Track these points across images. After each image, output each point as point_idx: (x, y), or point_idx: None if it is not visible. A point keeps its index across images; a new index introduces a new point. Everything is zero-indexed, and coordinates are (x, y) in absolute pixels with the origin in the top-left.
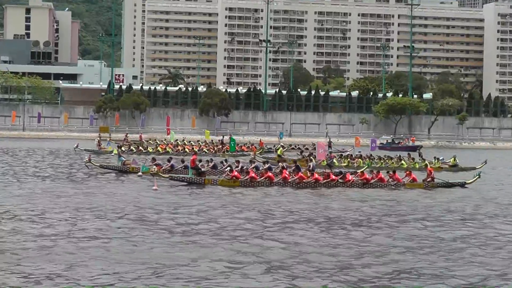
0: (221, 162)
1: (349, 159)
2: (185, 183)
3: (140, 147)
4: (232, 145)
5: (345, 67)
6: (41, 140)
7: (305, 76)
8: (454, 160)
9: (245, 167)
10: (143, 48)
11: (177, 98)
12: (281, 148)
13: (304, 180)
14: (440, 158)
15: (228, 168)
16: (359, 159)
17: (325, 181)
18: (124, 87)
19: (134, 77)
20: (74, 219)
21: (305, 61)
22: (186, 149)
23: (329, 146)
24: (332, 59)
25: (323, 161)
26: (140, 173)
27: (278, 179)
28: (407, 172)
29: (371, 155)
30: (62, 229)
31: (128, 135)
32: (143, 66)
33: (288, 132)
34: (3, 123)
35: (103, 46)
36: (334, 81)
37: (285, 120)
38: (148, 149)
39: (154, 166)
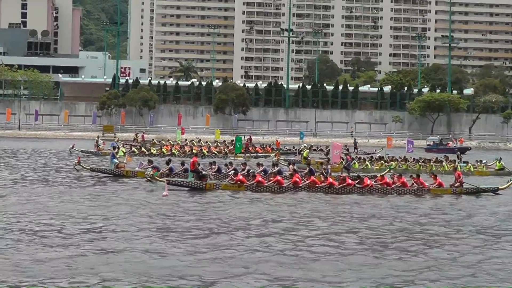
0: (226, 165)
1: (382, 161)
2: (184, 188)
3: (143, 148)
4: (238, 145)
5: (376, 59)
6: (38, 140)
7: (332, 69)
8: (500, 162)
9: (251, 171)
10: (152, 38)
11: (189, 93)
12: (307, 150)
13: (317, 185)
14: (483, 161)
15: (233, 171)
16: (380, 162)
17: (340, 186)
18: (130, 81)
19: (142, 71)
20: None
21: (331, 53)
22: (194, 150)
23: (355, 147)
24: (361, 50)
25: (340, 163)
26: (148, 177)
27: (288, 183)
28: (433, 176)
29: (405, 157)
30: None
31: (139, 134)
32: (151, 58)
33: (313, 131)
34: None
35: (108, 36)
36: (364, 74)
37: (309, 118)
38: (152, 150)
39: (150, 169)
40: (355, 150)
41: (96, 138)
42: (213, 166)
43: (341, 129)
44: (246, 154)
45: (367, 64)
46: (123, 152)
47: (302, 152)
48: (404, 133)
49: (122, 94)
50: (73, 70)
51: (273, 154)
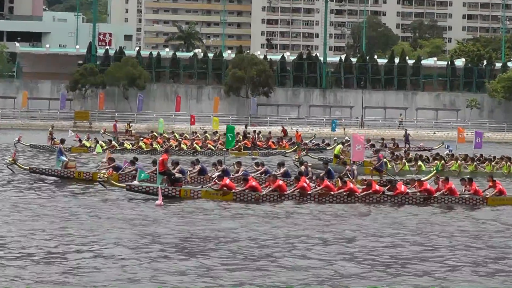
0: (213, 165)
1: (441, 162)
2: (150, 196)
3: (113, 142)
4: (230, 138)
5: (445, 22)
6: None
7: (385, 36)
8: None
9: (243, 173)
10: None
11: (191, 69)
12: (339, 145)
13: (331, 192)
14: None
15: (218, 173)
16: (404, 161)
17: (364, 193)
18: (112, 52)
19: (128, 38)
20: None
21: (384, 14)
22: (184, 145)
23: (406, 141)
24: (425, 10)
25: (369, 162)
26: (135, 181)
27: (293, 189)
28: (490, 180)
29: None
30: None
31: (131, 124)
32: (140, 20)
33: (359, 120)
34: None
35: None
36: (428, 44)
37: (354, 103)
38: (125, 144)
39: (104, 170)
40: (406, 145)
41: (50, 129)
42: (195, 166)
43: (396, 117)
44: (253, 151)
45: (433, 29)
46: (101, 147)
47: (326, 146)
48: (483, 123)
49: (101, 70)
50: (35, 37)
51: (298, 153)
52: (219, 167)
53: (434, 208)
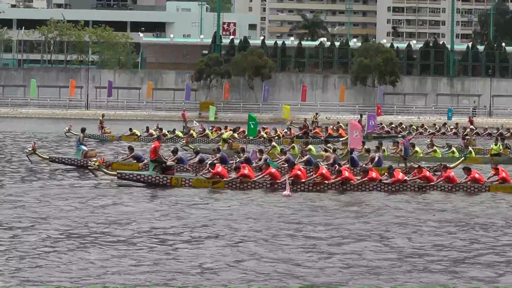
0: (213, 150)
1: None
2: (142, 183)
3: (176, 132)
4: (252, 127)
5: None
6: (113, 122)
7: None
8: None
9: (238, 161)
10: None
11: (317, 58)
12: (230, 131)
13: (326, 181)
14: None
15: (213, 161)
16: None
17: (360, 182)
18: (237, 42)
19: (252, 27)
20: None
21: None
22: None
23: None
24: None
25: (396, 150)
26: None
27: (285, 178)
28: (494, 166)
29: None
30: None
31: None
32: (264, 10)
33: (487, 109)
34: (58, 97)
35: None
36: None
37: (482, 91)
38: (192, 132)
39: (95, 159)
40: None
41: (100, 118)
42: (216, 155)
43: None
44: (304, 140)
45: None
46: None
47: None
48: None
49: (226, 60)
50: (159, 28)
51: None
52: (217, 154)
53: (429, 196)
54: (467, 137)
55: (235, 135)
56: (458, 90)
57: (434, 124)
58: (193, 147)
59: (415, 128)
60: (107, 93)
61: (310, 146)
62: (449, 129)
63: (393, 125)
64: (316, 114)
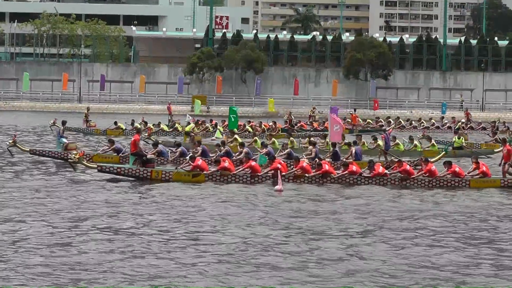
0: (218, 145)
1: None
2: (121, 177)
3: (161, 125)
4: (233, 119)
5: None
6: (107, 115)
7: (506, 17)
8: None
9: (218, 154)
10: None
11: (309, 52)
12: (192, 124)
13: (306, 174)
14: None
15: (191, 154)
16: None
17: (340, 175)
18: (229, 35)
19: (244, 21)
20: None
21: None
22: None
23: (467, 120)
24: None
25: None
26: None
27: (266, 171)
28: (474, 161)
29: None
30: None
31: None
32: (257, 3)
33: (480, 103)
34: (51, 91)
35: None
36: None
37: (475, 85)
38: (177, 126)
39: (75, 152)
40: (469, 123)
41: (85, 111)
42: (176, 150)
43: None
44: (294, 133)
45: None
46: (220, 132)
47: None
48: None
49: (218, 53)
50: (151, 21)
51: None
52: (222, 148)
53: (408, 192)
54: (459, 131)
55: (196, 128)
56: (450, 84)
57: (430, 119)
58: (153, 139)
59: (407, 122)
60: (99, 86)
61: (292, 139)
62: (444, 124)
63: (379, 119)
64: (314, 108)
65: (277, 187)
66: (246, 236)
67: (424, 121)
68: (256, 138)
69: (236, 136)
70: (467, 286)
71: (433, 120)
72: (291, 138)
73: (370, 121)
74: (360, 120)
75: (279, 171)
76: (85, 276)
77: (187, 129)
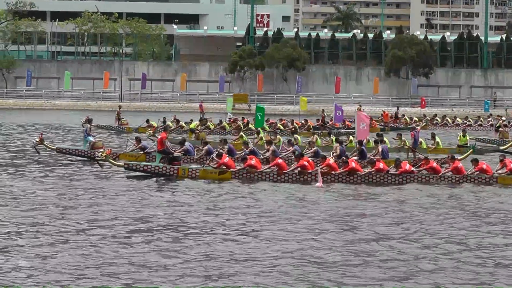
0: (220, 141)
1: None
2: (148, 174)
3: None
4: (259, 117)
5: None
6: (144, 114)
7: None
8: None
9: (244, 153)
10: None
11: (350, 49)
12: (197, 121)
13: (333, 172)
14: None
15: (216, 152)
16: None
17: (366, 173)
18: (270, 33)
19: (286, 19)
20: None
21: None
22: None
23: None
24: None
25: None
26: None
27: (292, 168)
28: (501, 158)
29: None
30: None
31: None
32: (298, 1)
33: None
34: (92, 89)
35: None
36: None
37: None
38: (209, 124)
39: (102, 150)
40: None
41: (117, 109)
42: (202, 148)
43: None
44: (323, 131)
45: None
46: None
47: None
48: None
49: (259, 52)
50: (192, 20)
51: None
52: (224, 146)
53: (436, 188)
54: (500, 129)
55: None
56: (492, 82)
57: (479, 117)
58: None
59: (449, 120)
60: (141, 85)
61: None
62: (488, 121)
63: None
64: (360, 106)
65: (317, 184)
66: (290, 237)
67: (471, 119)
68: (279, 136)
69: (242, 133)
70: None
71: (481, 118)
72: (315, 136)
73: (407, 118)
74: (397, 116)
75: (319, 168)
76: (132, 276)
77: (191, 126)
